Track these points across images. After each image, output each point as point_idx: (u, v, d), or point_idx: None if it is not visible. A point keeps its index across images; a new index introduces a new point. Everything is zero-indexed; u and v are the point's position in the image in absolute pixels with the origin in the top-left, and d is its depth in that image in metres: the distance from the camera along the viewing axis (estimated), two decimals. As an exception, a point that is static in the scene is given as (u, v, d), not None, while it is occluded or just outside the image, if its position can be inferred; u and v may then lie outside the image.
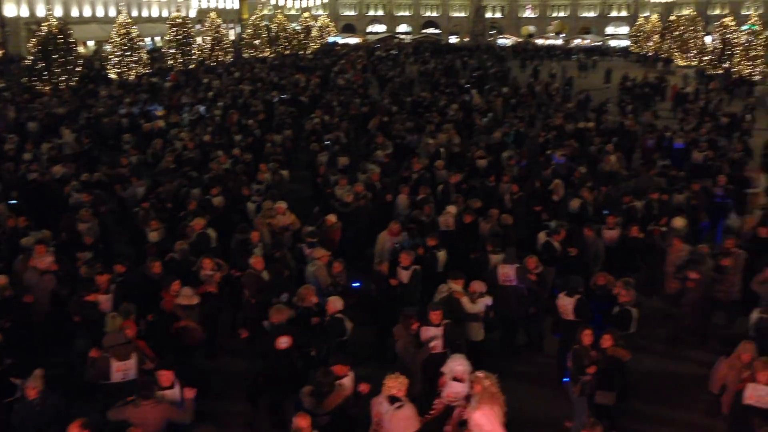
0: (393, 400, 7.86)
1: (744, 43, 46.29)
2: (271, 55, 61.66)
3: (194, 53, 50.02)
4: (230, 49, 55.12)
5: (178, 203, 15.79)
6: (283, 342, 9.24)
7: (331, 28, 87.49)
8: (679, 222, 14.16)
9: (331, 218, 14.18)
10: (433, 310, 9.78)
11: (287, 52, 65.52)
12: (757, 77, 43.80)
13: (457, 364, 8.42)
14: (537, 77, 47.18)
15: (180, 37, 48.53)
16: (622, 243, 13.90)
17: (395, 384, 7.89)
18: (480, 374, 7.94)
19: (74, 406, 8.58)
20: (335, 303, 10.12)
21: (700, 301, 11.93)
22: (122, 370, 8.94)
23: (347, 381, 8.41)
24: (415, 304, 11.23)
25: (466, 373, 8.26)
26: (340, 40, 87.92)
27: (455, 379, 8.36)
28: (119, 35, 42.99)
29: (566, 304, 10.83)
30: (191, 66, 48.46)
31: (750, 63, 44.70)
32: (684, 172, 19.28)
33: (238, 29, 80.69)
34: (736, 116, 28.23)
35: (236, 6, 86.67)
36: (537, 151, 22.30)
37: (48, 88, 36.32)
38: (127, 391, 8.40)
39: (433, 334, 9.67)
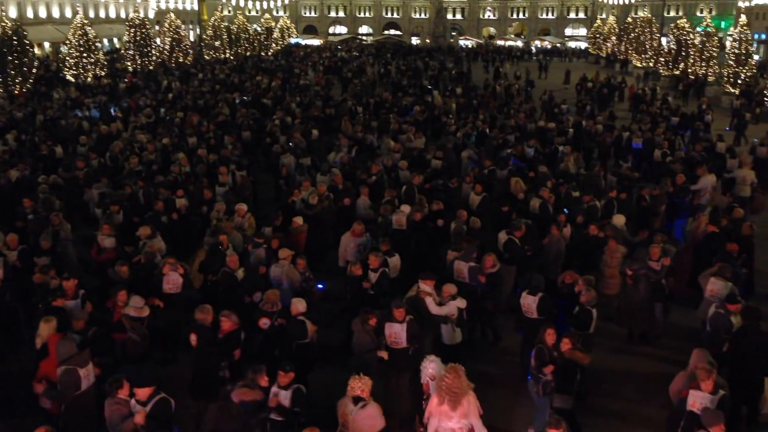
0: (357, 400, 7.87)
1: (698, 45, 47.36)
2: (232, 57, 61.17)
3: (153, 55, 49.34)
4: (190, 51, 54.50)
5: (135, 207, 15.58)
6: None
7: (293, 30, 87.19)
8: (619, 220, 14.36)
9: (297, 221, 14.10)
10: (396, 307, 9.83)
11: (248, 53, 65.07)
12: (711, 78, 44.79)
13: (429, 367, 8.49)
14: (499, 78, 47.63)
15: (138, 38, 47.86)
16: (582, 241, 14.08)
17: (359, 384, 7.89)
18: (447, 378, 7.98)
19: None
20: (298, 305, 10.06)
21: (642, 299, 12.02)
22: (86, 376, 8.81)
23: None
24: (383, 307, 11.22)
25: (438, 371, 8.31)
26: (302, 42, 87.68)
27: (433, 378, 8.40)
28: (76, 36, 42.24)
29: (529, 302, 10.91)
30: (150, 68, 47.84)
31: (704, 64, 45.71)
32: (641, 171, 19.59)
33: (198, 30, 79.87)
34: (687, 116, 28.84)
35: (195, 7, 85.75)
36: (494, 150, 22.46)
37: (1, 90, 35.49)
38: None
39: (396, 330, 9.72)
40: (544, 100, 33.89)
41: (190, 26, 79.51)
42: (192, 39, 70.12)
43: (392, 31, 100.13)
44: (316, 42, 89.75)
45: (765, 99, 34.87)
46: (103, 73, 43.21)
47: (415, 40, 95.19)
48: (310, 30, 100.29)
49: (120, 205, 15.15)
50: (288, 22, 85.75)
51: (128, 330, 9.97)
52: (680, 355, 11.03)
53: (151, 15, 74.01)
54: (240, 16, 69.15)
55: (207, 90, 36.62)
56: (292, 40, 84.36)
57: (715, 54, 45.75)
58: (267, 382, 8.23)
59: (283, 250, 12.13)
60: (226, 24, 64.66)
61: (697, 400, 7.98)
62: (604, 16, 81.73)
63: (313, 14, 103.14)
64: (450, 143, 22.31)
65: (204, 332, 9.49)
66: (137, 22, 48.50)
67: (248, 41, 67.04)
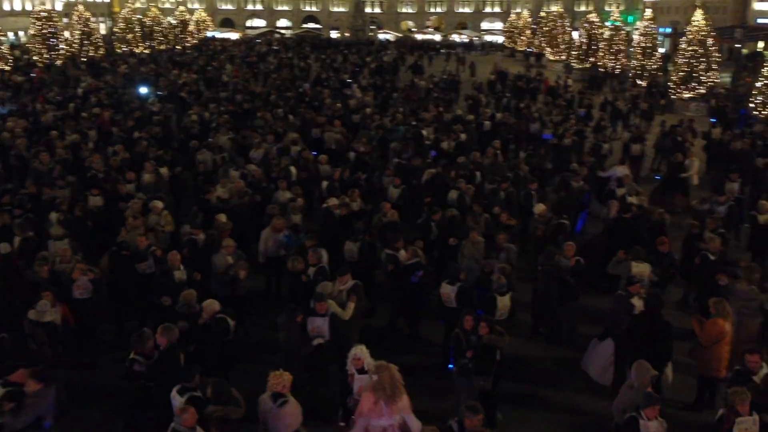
0: (276, 396, 7.84)
1: (607, 38, 49.13)
2: (146, 51, 59.47)
3: (61, 48, 47.35)
4: (101, 44, 52.56)
5: (38, 207, 15.05)
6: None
7: (209, 23, 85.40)
8: (539, 209, 14.79)
9: (221, 217, 13.89)
10: (318, 301, 9.90)
11: (162, 47, 63.40)
12: (618, 70, 46.50)
13: (355, 357, 8.58)
14: (420, 72, 48.11)
15: (45, 31, 45.84)
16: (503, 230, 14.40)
17: (279, 381, 7.89)
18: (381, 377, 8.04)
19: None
20: (212, 305, 9.95)
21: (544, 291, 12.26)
22: None
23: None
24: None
25: (367, 364, 8.40)
26: (219, 35, 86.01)
27: (360, 371, 8.50)
28: (-24, 29, 40.12)
29: (448, 292, 11.17)
30: (58, 62, 45.94)
31: (613, 57, 47.44)
32: (552, 162, 20.15)
33: (109, 23, 77.18)
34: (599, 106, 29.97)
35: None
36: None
37: None
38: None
39: (318, 324, 9.78)
40: (470, 94, 34.27)
41: (101, 19, 76.79)
42: (103, 32, 67.72)
43: (311, 25, 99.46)
44: (233, 35, 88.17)
45: (669, 90, 36.44)
46: (8, 68, 41.22)
47: (334, 34, 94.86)
48: (227, 23, 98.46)
49: (22, 207, 14.57)
50: (204, 14, 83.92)
51: (27, 335, 9.69)
52: (591, 339, 11.55)
53: (59, 7, 71.07)
54: (153, 8, 67.19)
55: (120, 85, 35.50)
56: (209, 34, 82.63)
57: (623, 47, 47.50)
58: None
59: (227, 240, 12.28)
60: (139, 16, 62.74)
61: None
62: (518, 10, 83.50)
63: (230, 7, 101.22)
64: (365, 137, 22.40)
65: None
66: (44, 14, 46.42)
67: (163, 34, 65.26)
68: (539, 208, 14.84)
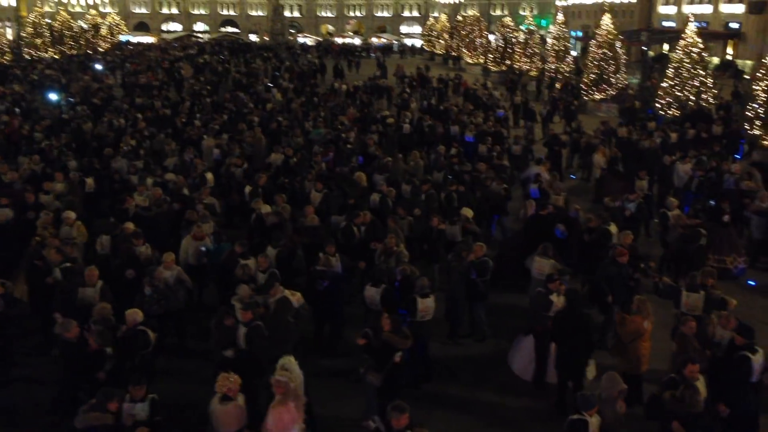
0: (224, 398, 7.97)
1: (522, 42, 50.44)
2: (56, 56, 57.32)
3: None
4: (8, 50, 50.34)
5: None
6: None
7: (122, 27, 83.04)
8: (467, 212, 15.08)
9: (129, 226, 13.53)
10: (243, 310, 9.82)
11: (74, 52, 61.27)
12: (534, 73, 47.76)
13: (284, 367, 8.52)
14: (341, 76, 48.16)
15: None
16: (425, 233, 14.60)
17: (225, 383, 7.98)
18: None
19: None
20: (134, 315, 9.71)
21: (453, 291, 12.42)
22: None
23: None
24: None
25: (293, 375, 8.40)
26: (133, 39, 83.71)
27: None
28: None
29: (373, 294, 11.23)
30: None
31: (528, 60, 48.73)
32: (472, 164, 20.48)
33: (17, 28, 73.98)
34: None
35: (13, 2, 79.25)
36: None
37: None
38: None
39: (243, 332, 9.70)
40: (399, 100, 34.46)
41: (8, 23, 73.59)
42: (10, 37, 64.89)
43: (230, 29, 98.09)
44: (149, 39, 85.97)
45: (582, 92, 37.70)
46: None
47: (253, 38, 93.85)
48: (141, 27, 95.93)
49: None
50: (117, 18, 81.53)
51: None
52: (515, 337, 11.84)
53: (-39, 11, 67.65)
54: (63, 12, 64.84)
55: (27, 90, 34.11)
56: (123, 38, 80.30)
57: (537, 51, 48.84)
58: (117, 408, 7.89)
59: (168, 254, 11.91)
60: (48, 21, 60.44)
61: None
62: (436, 14, 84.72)
63: (144, 10, 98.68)
64: (287, 142, 22.32)
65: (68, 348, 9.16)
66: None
67: (74, 39, 63.05)
68: (467, 212, 15.01)
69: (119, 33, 79.65)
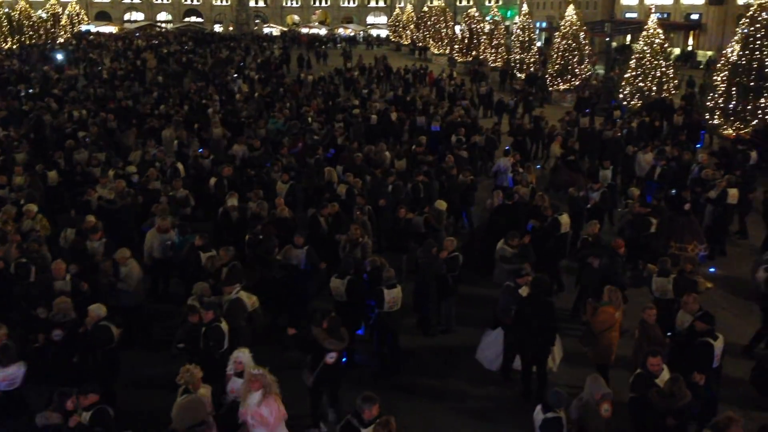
0: (185, 391, 7.95)
1: (488, 33, 50.65)
2: (14, 46, 56.03)
3: None
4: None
5: None
6: None
7: (83, 16, 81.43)
8: (441, 205, 15.13)
9: (90, 219, 13.29)
10: (205, 310, 9.70)
11: (33, 41, 59.94)
12: (499, 63, 47.98)
13: (237, 360, 8.53)
14: (308, 66, 47.89)
15: None
16: (394, 224, 14.61)
17: (184, 376, 7.98)
18: (256, 372, 8.02)
19: None
20: (97, 310, 9.56)
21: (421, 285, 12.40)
22: None
23: None
24: None
25: (247, 368, 8.33)
26: (94, 29, 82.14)
27: (237, 374, 8.47)
28: None
29: (338, 286, 11.20)
30: None
31: (493, 50, 48.93)
32: (435, 154, 20.50)
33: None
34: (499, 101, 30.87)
35: (-32, -9, 77.23)
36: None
37: None
38: None
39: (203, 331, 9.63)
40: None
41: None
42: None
43: (193, 18, 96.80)
44: (110, 29, 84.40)
45: (546, 83, 38.02)
46: None
47: (218, 28, 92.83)
48: (103, 16, 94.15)
49: None
50: (77, 7, 79.88)
51: None
52: (483, 326, 11.94)
53: None
54: (22, 1, 63.32)
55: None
56: (83, 28, 78.75)
57: (503, 41, 49.08)
58: (73, 406, 7.79)
59: (123, 250, 11.59)
60: (6, 10, 59.02)
61: None
62: (402, 5, 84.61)
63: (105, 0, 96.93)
64: (252, 133, 22.15)
65: None
66: None
67: (33, 29, 61.66)
68: (441, 204, 15.03)
69: (80, 23, 78.12)
